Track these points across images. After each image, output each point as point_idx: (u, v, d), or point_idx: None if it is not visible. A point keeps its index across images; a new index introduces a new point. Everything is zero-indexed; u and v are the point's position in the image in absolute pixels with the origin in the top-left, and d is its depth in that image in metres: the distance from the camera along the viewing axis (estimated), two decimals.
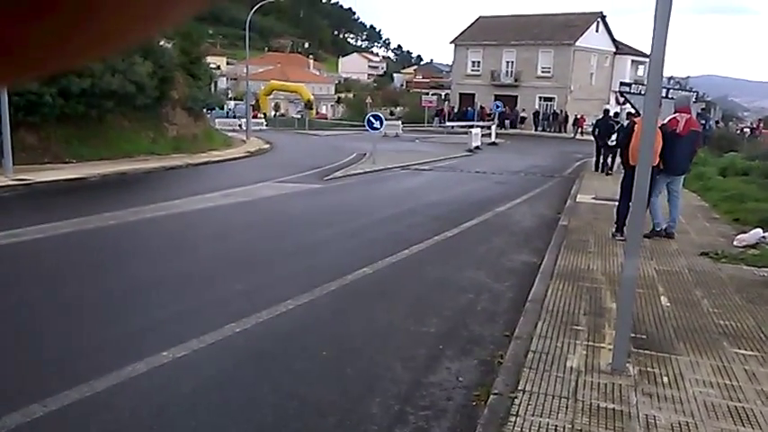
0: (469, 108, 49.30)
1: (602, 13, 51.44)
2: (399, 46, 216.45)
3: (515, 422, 3.79)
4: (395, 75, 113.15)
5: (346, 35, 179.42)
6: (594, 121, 21.15)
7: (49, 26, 0.27)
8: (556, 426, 3.76)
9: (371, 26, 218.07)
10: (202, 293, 6.54)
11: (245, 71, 43.57)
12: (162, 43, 22.97)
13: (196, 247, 8.85)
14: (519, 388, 4.23)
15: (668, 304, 6.18)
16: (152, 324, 5.57)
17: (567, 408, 3.99)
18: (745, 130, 32.71)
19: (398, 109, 61.91)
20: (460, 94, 54.09)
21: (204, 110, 28.77)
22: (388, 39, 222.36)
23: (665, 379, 4.44)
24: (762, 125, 34.53)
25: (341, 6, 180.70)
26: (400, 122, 41.29)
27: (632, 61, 54.59)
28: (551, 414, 3.90)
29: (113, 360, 4.69)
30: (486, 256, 8.57)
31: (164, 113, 22.24)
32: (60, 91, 16.59)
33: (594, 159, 19.76)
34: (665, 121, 8.97)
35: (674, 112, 9.42)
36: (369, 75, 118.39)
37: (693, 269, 7.58)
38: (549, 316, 5.71)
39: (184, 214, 11.19)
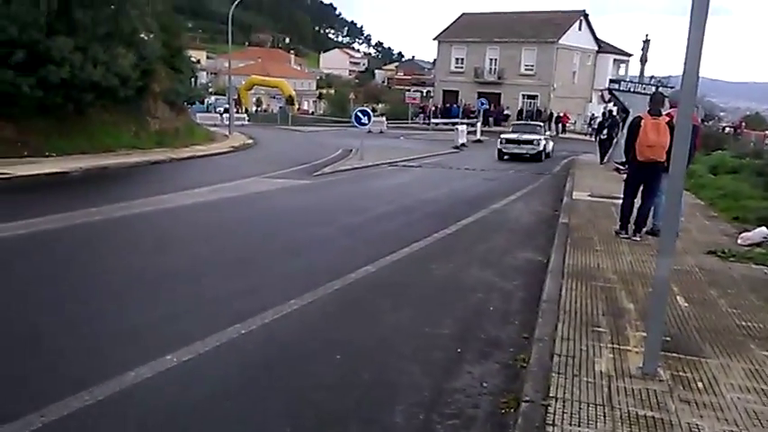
0: (454, 105, 49.28)
1: (584, 11, 51.70)
2: (380, 42, 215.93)
3: None
4: (376, 71, 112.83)
5: (327, 31, 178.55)
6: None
7: None
8: None
9: (352, 22, 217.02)
10: (201, 292, 6.22)
11: (225, 65, 42.94)
12: (143, 35, 22.39)
13: (189, 244, 8.50)
14: (550, 395, 4.00)
15: (686, 305, 6.00)
16: (151, 325, 5.24)
17: (604, 416, 3.76)
18: (727, 129, 32.99)
19: (381, 105, 61.69)
20: (444, 90, 54.00)
21: (185, 104, 28.20)
22: (369, 35, 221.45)
23: (700, 384, 4.24)
24: (744, 124, 34.86)
25: (321, 2, 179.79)
26: (384, 119, 41.12)
27: (614, 60, 54.95)
28: (589, 423, 3.67)
29: (114, 364, 4.36)
30: (490, 254, 8.35)
31: (145, 107, 21.71)
32: (39, 81, 16.03)
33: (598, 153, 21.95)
34: None
35: (669, 108, 9.31)
36: (350, 71, 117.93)
37: (703, 268, 7.43)
38: (568, 317, 5.49)
39: (174, 209, 10.82)
